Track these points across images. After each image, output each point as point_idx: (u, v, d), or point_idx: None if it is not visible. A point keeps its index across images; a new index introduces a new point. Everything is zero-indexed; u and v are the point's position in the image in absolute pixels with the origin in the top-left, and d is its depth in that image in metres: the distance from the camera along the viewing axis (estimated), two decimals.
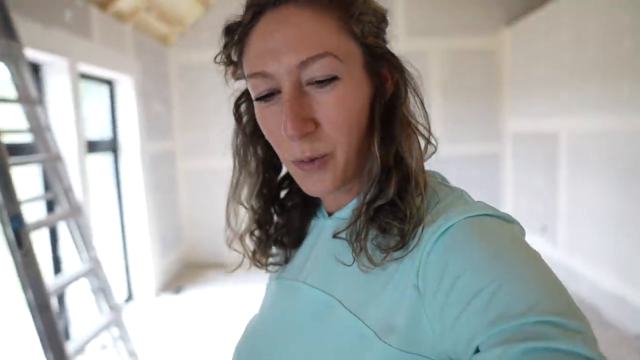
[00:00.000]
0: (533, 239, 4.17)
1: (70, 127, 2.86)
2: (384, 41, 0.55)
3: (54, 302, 1.94)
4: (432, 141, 0.53)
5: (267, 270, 0.68)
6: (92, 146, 3.36)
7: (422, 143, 0.53)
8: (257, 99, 0.53)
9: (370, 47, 0.52)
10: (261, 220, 0.66)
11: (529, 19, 4.17)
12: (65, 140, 2.81)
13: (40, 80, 2.81)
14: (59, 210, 2.31)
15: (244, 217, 0.65)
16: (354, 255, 0.51)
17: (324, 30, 0.49)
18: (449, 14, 4.60)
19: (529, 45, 4.22)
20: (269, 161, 0.64)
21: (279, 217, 0.67)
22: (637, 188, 2.82)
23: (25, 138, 2.47)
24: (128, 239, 3.91)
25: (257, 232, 0.66)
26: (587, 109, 3.31)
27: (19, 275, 1.83)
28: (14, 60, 2.10)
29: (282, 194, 0.68)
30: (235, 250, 0.65)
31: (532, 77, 4.16)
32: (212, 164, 4.81)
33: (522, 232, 0.48)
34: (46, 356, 1.87)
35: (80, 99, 3.00)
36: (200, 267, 4.74)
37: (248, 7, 0.53)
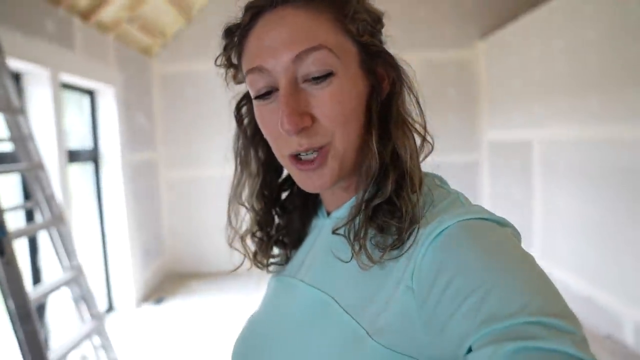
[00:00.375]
0: None
1: (51, 136, 2.86)
2: (380, 41, 0.57)
3: (35, 311, 1.93)
4: (429, 139, 0.54)
5: (268, 271, 0.69)
6: (73, 156, 3.35)
7: (419, 141, 0.54)
8: (256, 98, 0.54)
9: (366, 46, 0.54)
10: (262, 222, 0.67)
11: (501, 34, 4.34)
12: (47, 150, 2.80)
13: (21, 89, 2.80)
14: (40, 219, 2.30)
15: (244, 217, 0.66)
16: (353, 253, 0.51)
17: (318, 27, 0.51)
18: (426, 27, 4.74)
19: (502, 59, 4.38)
20: (270, 163, 0.65)
21: (280, 218, 0.68)
22: (606, 196, 2.95)
23: (4, 147, 2.46)
24: (109, 249, 3.88)
25: (258, 234, 0.67)
26: (558, 120, 3.46)
27: (1, 284, 1.83)
28: None
29: (284, 195, 0.69)
30: (237, 250, 0.66)
31: (507, 88, 4.31)
32: (195, 174, 4.81)
33: (517, 235, 0.49)
34: None
35: (62, 108, 3.00)
36: (182, 277, 4.71)
37: (247, 9, 0.55)
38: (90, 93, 3.79)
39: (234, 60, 0.59)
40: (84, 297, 2.35)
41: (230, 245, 0.66)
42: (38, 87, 2.85)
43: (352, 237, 0.52)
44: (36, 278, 2.80)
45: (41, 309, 2.73)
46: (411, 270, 0.46)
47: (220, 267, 4.59)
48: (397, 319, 0.46)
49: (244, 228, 0.66)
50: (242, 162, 0.65)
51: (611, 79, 2.85)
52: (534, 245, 3.87)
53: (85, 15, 3.34)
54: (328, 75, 0.51)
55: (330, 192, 0.60)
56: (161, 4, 4.08)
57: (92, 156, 3.79)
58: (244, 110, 0.65)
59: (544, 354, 0.34)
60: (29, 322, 1.86)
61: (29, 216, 2.70)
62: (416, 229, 0.48)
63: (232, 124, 0.68)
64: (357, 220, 0.53)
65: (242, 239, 0.66)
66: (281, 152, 0.55)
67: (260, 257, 0.67)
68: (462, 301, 0.40)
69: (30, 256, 2.79)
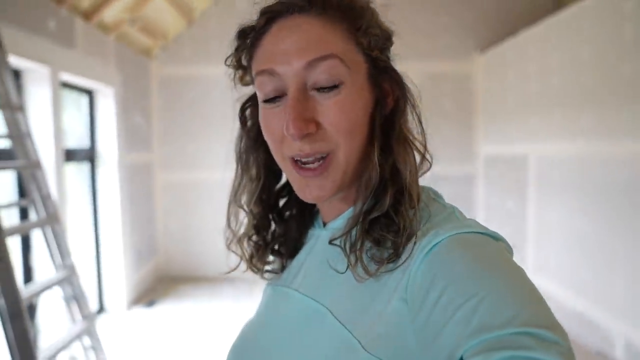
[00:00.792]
0: None
1: (49, 135, 2.85)
2: (388, 57, 0.58)
3: (26, 310, 1.92)
4: (427, 157, 0.55)
5: (261, 277, 0.69)
6: (70, 155, 3.34)
7: (418, 159, 0.55)
8: (264, 101, 0.55)
9: (375, 60, 0.55)
10: (259, 226, 0.67)
11: (500, 48, 4.39)
12: (44, 148, 2.79)
13: (20, 87, 2.80)
14: (34, 217, 2.29)
15: (243, 220, 0.67)
16: (350, 265, 0.52)
17: (332, 36, 0.52)
18: (425, 38, 4.78)
19: (499, 73, 4.43)
20: (270, 167, 0.65)
21: (277, 225, 0.68)
22: (600, 211, 2.98)
23: (3, 144, 2.45)
24: (101, 249, 3.86)
25: (254, 238, 0.67)
26: (554, 135, 3.49)
27: None
28: None
29: (281, 202, 0.69)
30: (234, 252, 0.66)
31: (504, 102, 4.35)
32: (190, 177, 4.81)
33: (509, 249, 0.50)
34: None
35: (60, 107, 3.00)
36: (174, 280, 4.69)
37: (262, 13, 0.55)
38: (89, 93, 3.79)
39: (244, 62, 0.59)
40: (75, 297, 2.33)
41: (228, 247, 0.66)
42: (38, 85, 2.84)
43: (348, 249, 0.53)
44: (27, 277, 2.78)
45: (31, 308, 2.71)
46: (405, 282, 0.47)
47: (213, 272, 4.57)
48: (391, 330, 0.47)
49: (241, 231, 0.66)
50: (244, 164, 0.65)
51: (606, 96, 2.89)
52: (527, 259, 3.89)
53: (87, 15, 3.35)
54: (337, 84, 0.52)
55: (327, 202, 0.60)
56: (163, 6, 4.10)
57: (89, 156, 3.78)
58: (248, 112, 0.65)
59: None
60: (19, 321, 1.84)
61: (23, 214, 2.69)
62: (412, 243, 0.49)
63: (230, 128, 0.68)
64: (353, 232, 0.53)
65: (240, 241, 0.66)
66: (282, 154, 0.55)
67: (255, 261, 0.67)
68: (454, 312, 0.41)
69: (22, 254, 2.77)
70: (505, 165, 4.33)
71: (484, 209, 4.80)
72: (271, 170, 0.66)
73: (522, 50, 3.97)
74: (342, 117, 0.52)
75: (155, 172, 4.85)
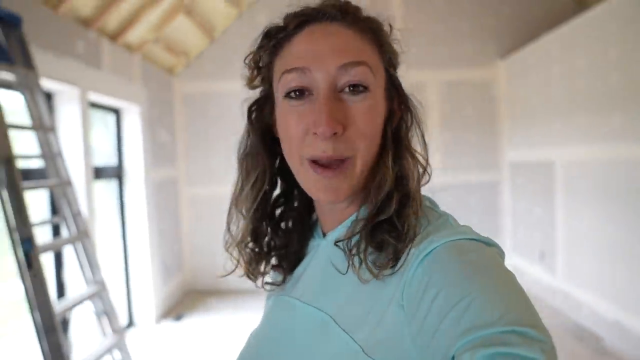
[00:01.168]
0: (532, 267, 4.20)
1: (78, 153, 2.94)
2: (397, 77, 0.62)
3: (60, 324, 1.97)
4: (428, 171, 0.58)
5: (260, 286, 0.69)
6: (98, 172, 3.43)
7: (420, 170, 0.58)
8: (287, 95, 0.56)
9: (391, 76, 0.60)
10: (256, 233, 0.67)
11: (522, 53, 4.33)
12: (74, 166, 2.88)
13: (51, 108, 2.90)
14: (66, 233, 2.36)
15: (241, 225, 0.67)
16: (353, 268, 0.54)
17: (363, 45, 0.56)
18: (445, 47, 4.77)
19: (522, 78, 4.37)
20: (271, 174, 0.65)
21: (275, 236, 0.68)
22: (631, 216, 2.88)
23: (35, 163, 2.54)
24: (130, 265, 3.93)
25: (251, 245, 0.67)
26: (579, 139, 3.41)
27: (28, 296, 1.87)
28: (30, 88, 2.20)
29: (277, 212, 0.69)
30: (232, 255, 0.67)
31: (527, 108, 4.29)
32: (215, 192, 4.87)
33: (502, 254, 0.52)
34: None
35: (89, 126, 3.09)
36: (201, 294, 4.73)
37: (295, 16, 0.57)
38: (116, 111, 3.90)
39: (262, 63, 0.61)
40: (106, 312, 2.38)
41: (227, 250, 0.67)
42: (67, 105, 2.94)
43: (352, 252, 0.54)
44: (60, 292, 2.85)
45: (64, 323, 2.77)
46: (401, 288, 0.50)
47: (239, 285, 4.59)
48: (389, 335, 0.49)
49: (239, 237, 0.66)
50: (245, 168, 0.65)
51: (633, 98, 2.81)
52: (557, 266, 3.79)
53: (114, 36, 3.46)
54: (364, 90, 0.54)
55: (331, 207, 0.61)
56: (186, 25, 4.20)
57: (116, 173, 3.87)
58: (254, 115, 0.65)
59: (515, 359, 0.37)
60: (53, 335, 1.89)
61: (55, 231, 2.77)
62: (409, 249, 0.51)
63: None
64: (359, 234, 0.55)
65: (238, 246, 0.66)
66: (300, 154, 0.56)
67: (252, 269, 0.67)
68: (446, 314, 0.43)
69: (55, 270, 2.85)
70: (532, 171, 4.24)
71: (511, 216, 4.71)
72: (270, 178, 0.66)
73: (545, 53, 3.91)
74: (367, 122, 0.55)
75: (181, 187, 4.94)
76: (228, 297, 4.55)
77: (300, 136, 0.55)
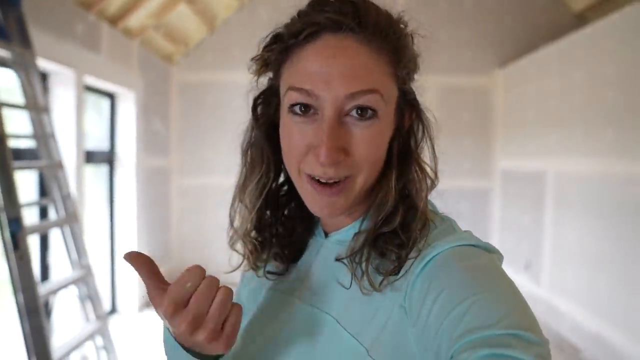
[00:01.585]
0: (517, 276, 4.24)
1: (71, 136, 2.91)
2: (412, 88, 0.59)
3: (43, 307, 1.95)
4: (436, 183, 0.58)
5: (262, 276, 0.66)
6: (89, 156, 3.40)
7: (428, 182, 0.58)
8: (291, 109, 0.54)
9: (405, 92, 0.57)
10: (260, 224, 0.65)
11: (520, 63, 4.36)
12: (65, 149, 2.84)
13: (46, 89, 2.87)
14: (54, 216, 2.34)
15: (245, 219, 0.65)
16: (355, 279, 0.54)
17: (376, 69, 0.52)
18: (445, 53, 4.78)
19: (520, 88, 4.40)
20: (275, 165, 0.64)
21: (279, 226, 0.67)
22: (619, 230, 2.92)
23: (26, 143, 2.51)
24: (116, 251, 3.90)
25: (253, 234, 0.65)
26: (572, 152, 3.45)
27: (12, 277, 1.85)
28: (26, 67, 2.17)
29: (281, 200, 0.68)
30: (236, 251, 0.65)
31: (522, 117, 4.32)
32: (206, 183, 4.85)
33: (501, 260, 0.53)
34: None
35: (84, 110, 3.06)
36: None
37: (307, 24, 0.52)
38: (111, 96, 3.86)
39: (269, 62, 0.58)
40: (90, 297, 2.36)
41: (232, 246, 0.65)
42: (62, 88, 2.91)
43: (354, 264, 0.54)
44: (44, 275, 2.82)
45: (46, 306, 2.75)
46: (405, 291, 0.51)
47: (227, 278, 4.58)
48: (394, 337, 0.50)
49: (243, 229, 0.64)
50: (250, 159, 0.63)
51: (628, 114, 2.85)
52: (543, 275, 3.83)
53: (114, 20, 3.43)
54: (372, 116, 0.52)
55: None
56: (187, 13, 4.17)
57: (108, 158, 3.84)
58: (259, 109, 0.63)
59: None
60: (36, 317, 1.88)
61: (42, 213, 2.74)
62: (414, 256, 0.52)
63: (245, 125, 0.65)
64: (359, 245, 0.55)
65: (243, 239, 0.65)
66: (300, 167, 0.55)
67: (254, 260, 0.65)
68: (446, 315, 0.44)
69: (40, 252, 2.82)
70: (523, 181, 4.28)
71: (499, 224, 4.75)
72: (275, 169, 0.64)
73: (543, 65, 3.94)
74: (372, 149, 0.53)
75: (172, 176, 4.91)
76: None
77: (301, 151, 0.54)
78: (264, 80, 0.62)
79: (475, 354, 0.39)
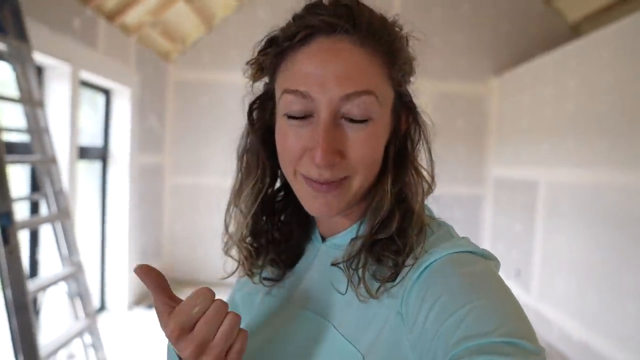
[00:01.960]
0: (507, 283, 4.26)
1: (65, 131, 2.89)
2: (408, 90, 0.59)
3: (31, 303, 1.93)
4: (433, 187, 0.58)
5: (258, 282, 0.66)
6: (82, 152, 3.37)
7: (424, 187, 0.57)
8: (288, 117, 0.54)
9: (400, 94, 0.57)
10: (255, 229, 0.65)
11: (516, 72, 4.40)
12: (59, 144, 2.82)
13: (41, 83, 2.85)
14: (45, 212, 2.32)
15: (240, 224, 0.64)
16: (352, 286, 0.54)
17: (371, 70, 0.52)
18: (441, 59, 4.81)
19: (514, 96, 4.43)
20: (271, 170, 0.63)
21: (276, 231, 0.66)
22: (608, 240, 2.95)
23: (19, 137, 2.49)
24: (107, 248, 3.88)
25: (249, 240, 0.65)
26: (565, 161, 3.48)
27: (1, 273, 1.83)
28: (22, 61, 2.15)
29: (277, 206, 0.67)
30: (231, 257, 0.65)
31: (516, 125, 4.35)
32: (199, 182, 4.83)
33: (498, 267, 0.54)
34: (17, 358, 1.85)
35: (78, 104, 3.04)
36: (178, 283, 4.67)
37: (302, 27, 0.52)
38: (106, 92, 3.84)
39: (264, 66, 0.58)
40: (80, 294, 2.34)
41: (227, 252, 0.65)
42: (58, 82, 2.89)
43: (350, 270, 0.54)
44: (33, 271, 2.79)
45: (34, 303, 2.72)
46: (401, 297, 0.50)
47: (216, 277, 4.56)
48: (390, 343, 0.49)
49: (239, 235, 0.64)
50: (246, 164, 0.63)
51: (620, 125, 2.88)
52: (532, 284, 3.85)
53: (111, 16, 3.41)
54: (367, 119, 0.52)
55: (329, 218, 0.61)
56: (185, 11, 4.16)
57: (101, 154, 3.81)
58: (255, 113, 0.62)
59: None
60: (24, 313, 1.86)
61: (33, 209, 2.71)
62: (411, 262, 0.52)
63: (241, 128, 0.65)
64: (355, 252, 0.55)
65: (238, 245, 0.64)
66: (295, 170, 0.55)
67: (250, 265, 0.65)
68: (444, 321, 0.44)
69: (29, 248, 2.79)
70: (515, 189, 4.31)
71: (491, 231, 4.77)
72: (271, 174, 0.64)
73: (538, 75, 3.98)
74: (367, 151, 0.53)
75: (165, 174, 4.88)
76: None
77: (297, 153, 0.54)
78: (259, 85, 0.62)
79: None
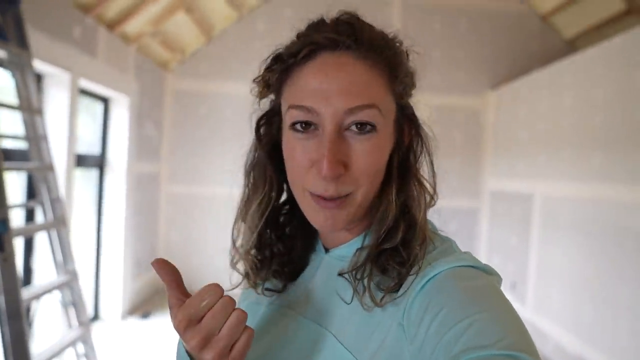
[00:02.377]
0: None
1: (62, 139, 2.89)
2: (410, 103, 0.61)
3: (25, 311, 1.91)
4: (435, 198, 0.60)
5: (261, 293, 0.66)
6: (79, 160, 3.37)
7: (427, 198, 0.59)
8: (293, 127, 0.55)
9: (402, 107, 0.59)
10: (260, 242, 0.66)
11: (512, 86, 4.44)
12: (56, 152, 2.82)
13: (40, 90, 2.85)
14: (41, 219, 2.30)
15: (247, 239, 0.66)
16: (357, 295, 0.55)
17: (374, 84, 0.54)
18: (439, 72, 4.86)
19: (510, 110, 4.47)
20: (277, 185, 0.65)
21: (279, 243, 0.67)
22: (604, 254, 2.96)
23: (17, 144, 2.48)
24: (102, 257, 3.85)
25: (254, 252, 0.66)
26: (560, 174, 3.50)
27: None
28: (21, 68, 2.16)
29: (282, 218, 0.68)
30: (237, 271, 0.66)
31: (512, 139, 4.38)
32: (196, 192, 4.82)
33: (500, 282, 0.55)
34: None
35: (77, 112, 3.04)
36: None
37: (306, 43, 0.54)
38: (104, 100, 3.84)
39: (271, 83, 0.59)
40: (74, 303, 2.32)
41: (234, 266, 0.66)
42: (57, 90, 2.90)
43: (355, 279, 0.55)
44: (26, 278, 2.77)
45: (28, 311, 2.69)
46: (403, 309, 0.51)
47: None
48: (391, 354, 0.50)
49: (245, 248, 0.66)
50: (253, 179, 0.64)
51: (616, 139, 2.91)
52: (527, 296, 3.85)
53: (111, 25, 3.43)
54: (371, 130, 0.54)
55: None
56: (185, 22, 4.19)
57: (98, 162, 3.81)
58: (262, 129, 0.64)
59: None
60: (17, 322, 1.83)
61: (28, 216, 2.69)
62: (414, 274, 0.53)
63: (240, 145, 0.67)
64: (360, 262, 0.56)
65: (244, 258, 0.65)
66: (304, 185, 0.56)
67: (253, 277, 0.66)
68: (444, 333, 0.45)
69: (24, 255, 2.77)
70: (511, 202, 4.32)
71: (487, 244, 4.78)
72: (277, 188, 0.65)
73: (535, 89, 4.02)
74: (370, 163, 0.54)
75: (162, 183, 4.87)
76: None
77: (304, 166, 0.55)
78: (266, 102, 0.63)
79: None
